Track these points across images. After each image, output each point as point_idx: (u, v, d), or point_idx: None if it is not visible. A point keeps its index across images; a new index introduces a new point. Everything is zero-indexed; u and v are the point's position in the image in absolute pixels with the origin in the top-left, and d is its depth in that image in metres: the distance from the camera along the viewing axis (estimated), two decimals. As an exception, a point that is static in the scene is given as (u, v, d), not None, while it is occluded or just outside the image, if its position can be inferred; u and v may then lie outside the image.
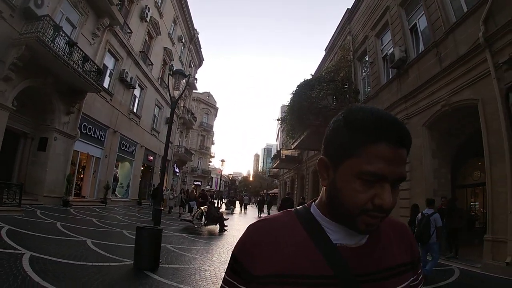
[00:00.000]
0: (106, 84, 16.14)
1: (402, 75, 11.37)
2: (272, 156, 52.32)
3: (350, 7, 17.51)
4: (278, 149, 35.35)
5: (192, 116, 35.63)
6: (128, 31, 17.99)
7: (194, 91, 37.43)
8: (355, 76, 16.44)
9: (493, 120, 7.31)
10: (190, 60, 33.23)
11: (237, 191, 58.72)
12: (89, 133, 15.15)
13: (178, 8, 26.36)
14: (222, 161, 29.63)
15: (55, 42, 10.70)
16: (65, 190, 12.73)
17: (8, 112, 10.23)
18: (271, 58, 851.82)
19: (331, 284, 0.66)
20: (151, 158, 24.17)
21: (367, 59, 15.29)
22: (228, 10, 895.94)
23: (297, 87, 16.98)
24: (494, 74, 7.21)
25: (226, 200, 28.12)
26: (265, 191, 57.89)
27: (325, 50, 22.82)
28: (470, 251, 8.74)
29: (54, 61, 10.70)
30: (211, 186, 58.21)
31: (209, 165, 57.23)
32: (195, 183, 48.23)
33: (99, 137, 16.11)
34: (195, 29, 31.30)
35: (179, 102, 29.74)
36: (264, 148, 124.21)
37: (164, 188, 21.77)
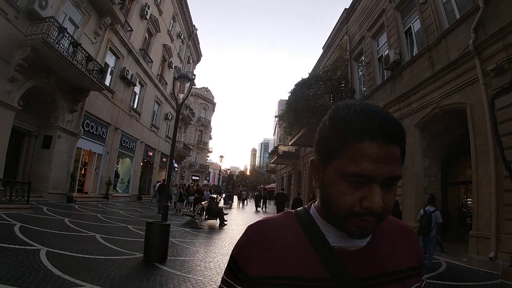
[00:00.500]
0: (107, 82, 16.42)
1: (396, 77, 11.74)
2: (269, 151, 52.67)
3: (347, 7, 17.71)
4: (276, 145, 35.71)
5: (191, 111, 35.92)
6: (129, 29, 18.23)
7: (192, 86, 37.64)
8: (351, 75, 16.79)
9: (480, 124, 7.71)
10: (189, 56, 33.46)
11: (235, 186, 59.17)
12: (92, 131, 15.49)
13: (177, 5, 26.56)
14: (221, 157, 30.04)
15: (60, 43, 10.98)
16: (69, 187, 13.10)
17: (15, 112, 10.53)
18: (270, 53, 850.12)
19: (328, 287, 0.64)
20: (151, 153, 24.54)
21: (363, 59, 15.61)
22: (228, 3, 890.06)
23: (295, 85, 17.33)
24: (482, 80, 7.59)
25: (224, 195, 28.53)
26: (262, 185, 58.29)
27: (323, 48, 23.11)
28: (459, 246, 9.23)
29: (59, 61, 11.00)
30: (208, 181, 58.66)
31: (207, 160, 57.67)
32: (193, 178, 48.63)
33: (101, 134, 16.46)
34: (194, 25, 31.50)
35: (178, 97, 30.05)
36: (262, 143, 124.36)
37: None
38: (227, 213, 14.45)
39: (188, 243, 8.13)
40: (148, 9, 19.90)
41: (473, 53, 7.87)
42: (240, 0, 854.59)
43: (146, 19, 20.12)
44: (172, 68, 27.29)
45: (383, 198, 0.60)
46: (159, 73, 24.78)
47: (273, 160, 34.49)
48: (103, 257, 5.47)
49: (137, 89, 20.95)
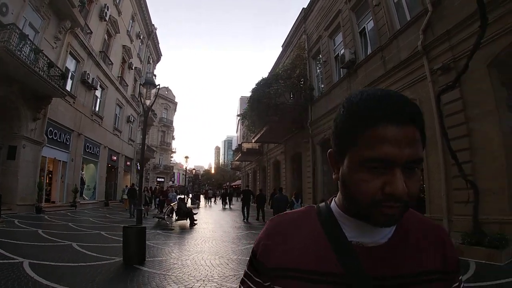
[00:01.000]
0: (68, 87, 16.00)
1: (351, 75, 12.66)
2: (233, 148, 53.00)
3: (305, 7, 18.26)
4: (239, 142, 36.20)
5: (152, 112, 35.45)
6: (88, 31, 17.85)
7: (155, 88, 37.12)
8: (310, 73, 17.62)
9: (428, 117, 8.36)
10: (149, 56, 33.04)
11: (201, 185, 59.06)
12: (55, 138, 15.11)
13: (136, 5, 26.22)
14: (186, 157, 30.07)
15: (22, 51, 10.74)
16: (37, 197, 12.81)
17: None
18: (230, 50, 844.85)
19: (340, 282, 0.63)
20: (115, 158, 24.17)
21: (320, 57, 16.43)
22: (187, 1, 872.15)
23: (256, 85, 17.80)
24: (430, 78, 8.46)
25: (191, 195, 28.69)
26: (228, 183, 58.67)
27: (282, 46, 23.81)
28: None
29: (22, 69, 10.76)
30: (173, 182, 57.96)
31: (171, 160, 56.92)
32: (158, 179, 47.96)
33: (65, 141, 16.08)
34: (153, 25, 31.17)
35: (138, 99, 29.64)
36: (225, 140, 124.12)
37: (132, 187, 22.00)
38: (197, 213, 14.82)
39: (163, 244, 8.47)
40: (107, 10, 19.55)
41: (422, 53, 8.69)
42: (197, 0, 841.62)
43: (105, 20, 19.73)
44: (132, 69, 26.91)
45: (406, 183, 0.58)
46: (120, 75, 24.38)
47: (237, 157, 34.95)
48: (85, 264, 5.70)
49: (98, 92, 20.53)
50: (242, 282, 0.77)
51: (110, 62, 21.63)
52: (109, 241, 8.32)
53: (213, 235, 10.24)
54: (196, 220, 13.02)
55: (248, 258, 0.77)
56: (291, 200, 12.77)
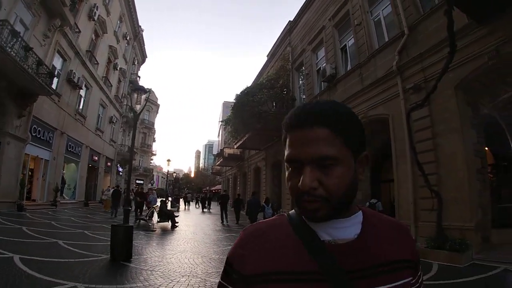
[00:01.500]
0: (54, 85, 15.96)
1: (331, 88, 13.37)
2: (214, 153, 53.09)
3: (291, 19, 18.98)
4: (221, 147, 36.50)
5: (131, 111, 35.36)
6: (77, 30, 17.94)
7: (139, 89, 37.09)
8: (292, 84, 18.33)
9: (399, 131, 9.27)
10: (134, 58, 33.07)
11: (181, 188, 58.71)
12: (39, 136, 15.09)
13: (125, 5, 26.39)
14: (168, 160, 30.16)
15: (13, 48, 10.85)
16: (19, 195, 12.79)
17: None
18: (214, 56, 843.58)
19: (317, 279, 0.66)
20: (96, 158, 24.04)
21: (303, 70, 17.16)
22: (174, 3, 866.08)
23: (240, 93, 18.32)
24: (402, 96, 9.21)
25: (171, 198, 28.73)
26: (208, 187, 58.60)
27: (267, 56, 24.47)
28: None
29: (10, 65, 10.83)
30: (152, 184, 57.46)
31: (151, 163, 56.43)
32: (137, 181, 47.44)
33: (48, 139, 16.06)
34: (140, 26, 31.29)
35: (121, 100, 29.62)
36: (206, 145, 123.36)
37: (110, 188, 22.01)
38: (178, 215, 15.13)
39: (146, 244, 8.81)
40: (97, 10, 19.70)
41: (396, 73, 9.46)
42: (186, 1, 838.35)
43: (94, 20, 19.86)
44: (117, 69, 26.93)
45: (321, 178, 0.64)
46: (104, 75, 24.35)
47: (218, 162, 35.29)
48: (73, 260, 5.92)
49: (82, 92, 20.51)
50: None
51: (96, 62, 21.68)
52: (94, 240, 8.57)
53: (194, 236, 10.60)
54: (177, 222, 13.27)
55: None
56: (262, 204, 13.75)
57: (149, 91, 10.05)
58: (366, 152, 0.73)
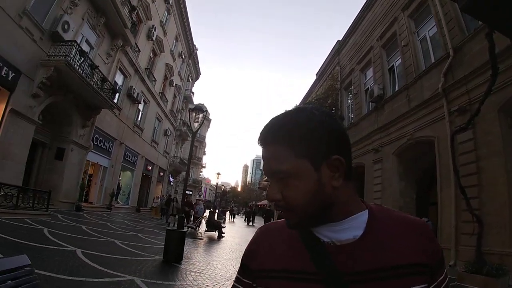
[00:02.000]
0: (115, 99, 17.55)
1: (379, 109, 13.16)
2: (261, 168, 53.21)
3: (340, 39, 19.24)
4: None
5: (189, 128, 37.11)
6: (137, 50, 19.63)
7: (191, 104, 39.04)
8: (341, 103, 18.25)
9: (444, 154, 8.99)
10: (188, 75, 35.03)
11: (228, 201, 59.86)
12: (100, 145, 16.62)
13: (180, 26, 28.25)
14: (218, 174, 31.19)
15: (81, 66, 12.18)
16: (78, 196, 14.12)
17: (35, 125, 11.50)
18: (266, 72, 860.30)
19: (314, 280, 0.67)
20: (150, 168, 25.61)
21: (352, 89, 17.03)
22: (230, 23, 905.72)
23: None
24: (448, 118, 8.99)
25: (218, 210, 29.51)
26: (253, 202, 58.98)
27: (316, 75, 24.62)
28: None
29: (78, 82, 12.13)
30: (200, 196, 59.15)
31: (200, 174, 58.33)
32: (186, 192, 49.07)
33: (107, 148, 17.61)
34: (194, 45, 33.24)
35: (176, 114, 31.36)
36: (254, 160, 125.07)
37: (159, 196, 23.18)
38: (225, 226, 15.57)
39: (194, 250, 9.33)
40: (155, 30, 21.40)
41: (442, 95, 9.29)
42: (242, 20, 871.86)
43: (152, 40, 21.56)
44: (173, 86, 28.68)
45: (281, 190, 0.68)
46: (161, 91, 26.11)
47: (265, 178, 35.56)
48: (129, 258, 6.56)
49: (141, 106, 22.19)
50: (233, 286, 0.83)
51: (153, 79, 23.41)
52: (146, 242, 9.29)
53: (239, 247, 10.92)
54: (224, 233, 13.82)
55: None
56: None
57: (205, 111, 10.57)
58: (336, 156, 0.68)
